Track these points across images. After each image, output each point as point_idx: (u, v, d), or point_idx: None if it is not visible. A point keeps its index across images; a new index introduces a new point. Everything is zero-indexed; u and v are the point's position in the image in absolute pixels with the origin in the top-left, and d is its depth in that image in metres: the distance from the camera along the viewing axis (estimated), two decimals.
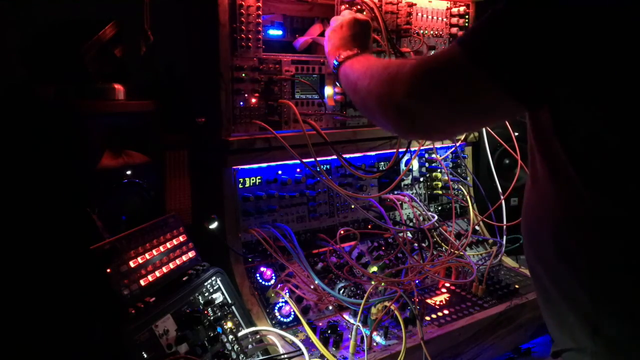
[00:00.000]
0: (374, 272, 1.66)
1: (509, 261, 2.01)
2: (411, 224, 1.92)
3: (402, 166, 1.96)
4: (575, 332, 0.94)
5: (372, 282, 1.59)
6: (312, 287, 1.56)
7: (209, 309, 1.33)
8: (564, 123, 0.87)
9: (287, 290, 1.51)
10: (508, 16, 0.83)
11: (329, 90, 1.71)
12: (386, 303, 1.47)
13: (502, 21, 0.84)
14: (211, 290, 1.37)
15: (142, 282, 1.26)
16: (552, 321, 1.03)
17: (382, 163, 1.93)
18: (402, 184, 2.00)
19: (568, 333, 0.97)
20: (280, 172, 1.69)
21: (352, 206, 1.82)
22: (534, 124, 0.96)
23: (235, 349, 1.31)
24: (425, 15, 1.96)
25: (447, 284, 1.79)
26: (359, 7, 1.71)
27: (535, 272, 1.02)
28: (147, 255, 1.30)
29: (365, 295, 1.47)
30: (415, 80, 0.96)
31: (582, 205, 0.87)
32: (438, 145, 2.03)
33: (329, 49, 1.43)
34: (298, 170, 1.73)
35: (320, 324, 1.48)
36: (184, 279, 1.33)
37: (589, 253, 0.87)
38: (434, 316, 1.59)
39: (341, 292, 1.58)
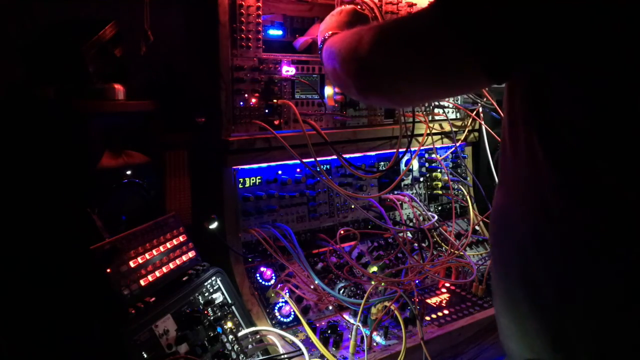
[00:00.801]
0: (374, 272, 1.66)
1: None
2: (411, 224, 1.92)
3: (402, 166, 1.97)
4: (535, 340, 0.89)
5: (372, 282, 1.59)
6: (312, 287, 1.56)
7: (209, 309, 1.33)
8: (538, 110, 0.83)
9: (287, 290, 1.51)
10: None
11: (329, 90, 1.71)
12: (386, 303, 1.47)
13: None
14: (211, 290, 1.37)
15: (142, 282, 1.26)
16: (511, 328, 0.97)
17: (382, 163, 1.93)
18: (402, 184, 2.01)
19: (527, 342, 0.92)
20: (280, 172, 1.69)
21: (352, 206, 1.82)
22: (509, 114, 0.92)
23: (235, 349, 1.31)
24: None
25: (447, 284, 1.79)
26: (359, 7, 1.71)
27: (504, 270, 0.97)
28: (147, 255, 1.30)
29: (365, 295, 1.47)
30: (381, 33, 0.96)
31: (557, 200, 0.83)
32: (438, 145, 2.03)
33: (321, 29, 1.46)
34: (298, 170, 1.73)
35: (320, 324, 1.48)
36: (184, 279, 1.33)
37: (564, 252, 0.83)
38: (434, 316, 1.59)
39: (341, 292, 1.58)
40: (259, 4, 1.53)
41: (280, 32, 1.70)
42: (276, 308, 1.49)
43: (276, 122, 1.59)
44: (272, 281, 1.54)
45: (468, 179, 2.12)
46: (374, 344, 1.42)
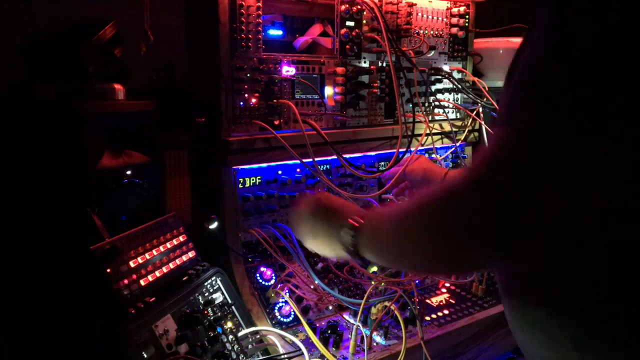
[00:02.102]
0: (374, 272, 1.66)
1: None
2: None
3: None
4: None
5: (372, 282, 1.59)
6: (312, 287, 1.56)
7: (209, 309, 1.33)
8: None
9: (287, 290, 1.51)
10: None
11: (329, 90, 1.71)
12: (386, 303, 1.47)
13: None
14: (211, 290, 1.37)
15: (142, 282, 1.26)
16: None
17: (382, 163, 1.93)
18: None
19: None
20: (280, 172, 1.69)
21: None
22: None
23: (235, 349, 1.31)
24: (425, 15, 1.96)
25: (447, 284, 1.79)
26: (359, 7, 1.71)
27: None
28: (147, 255, 1.30)
29: (365, 295, 1.47)
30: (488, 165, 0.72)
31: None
32: (438, 145, 2.03)
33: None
34: (298, 170, 1.73)
35: (320, 324, 1.48)
36: (184, 279, 1.33)
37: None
38: (434, 316, 1.59)
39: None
40: (259, 4, 1.52)
41: (280, 32, 1.70)
42: (276, 308, 1.49)
43: (276, 122, 1.59)
44: (272, 281, 1.54)
45: None
46: (374, 344, 1.42)
